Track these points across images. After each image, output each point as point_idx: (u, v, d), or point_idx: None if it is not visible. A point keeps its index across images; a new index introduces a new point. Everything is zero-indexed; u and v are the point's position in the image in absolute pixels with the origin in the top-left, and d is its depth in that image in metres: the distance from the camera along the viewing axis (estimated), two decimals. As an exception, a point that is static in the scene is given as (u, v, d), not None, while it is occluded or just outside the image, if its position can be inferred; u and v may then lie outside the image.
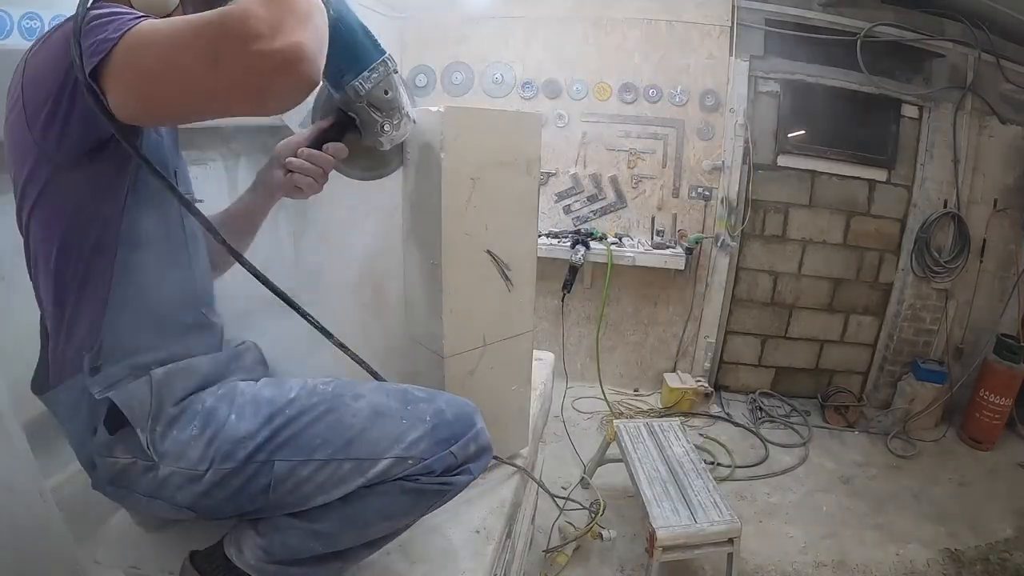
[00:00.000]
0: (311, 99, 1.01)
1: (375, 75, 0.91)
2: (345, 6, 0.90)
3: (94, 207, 0.75)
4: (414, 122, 1.00)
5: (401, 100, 0.96)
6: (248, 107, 0.66)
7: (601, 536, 2.01)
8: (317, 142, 0.96)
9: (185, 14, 0.83)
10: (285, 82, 0.62)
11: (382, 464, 0.81)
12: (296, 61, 0.61)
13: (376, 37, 0.94)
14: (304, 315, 0.88)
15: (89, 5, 0.67)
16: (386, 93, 0.93)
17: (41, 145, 0.71)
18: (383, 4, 3.06)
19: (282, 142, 1.00)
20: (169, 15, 0.82)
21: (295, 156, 0.94)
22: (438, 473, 0.84)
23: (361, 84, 0.90)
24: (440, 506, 0.90)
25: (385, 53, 0.93)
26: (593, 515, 2.10)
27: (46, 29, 1.26)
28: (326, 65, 0.89)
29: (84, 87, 0.64)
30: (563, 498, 2.06)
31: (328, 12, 0.83)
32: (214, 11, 0.62)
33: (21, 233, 0.80)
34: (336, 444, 0.81)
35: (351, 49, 0.90)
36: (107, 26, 0.64)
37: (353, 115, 0.95)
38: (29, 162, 0.73)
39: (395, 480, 0.82)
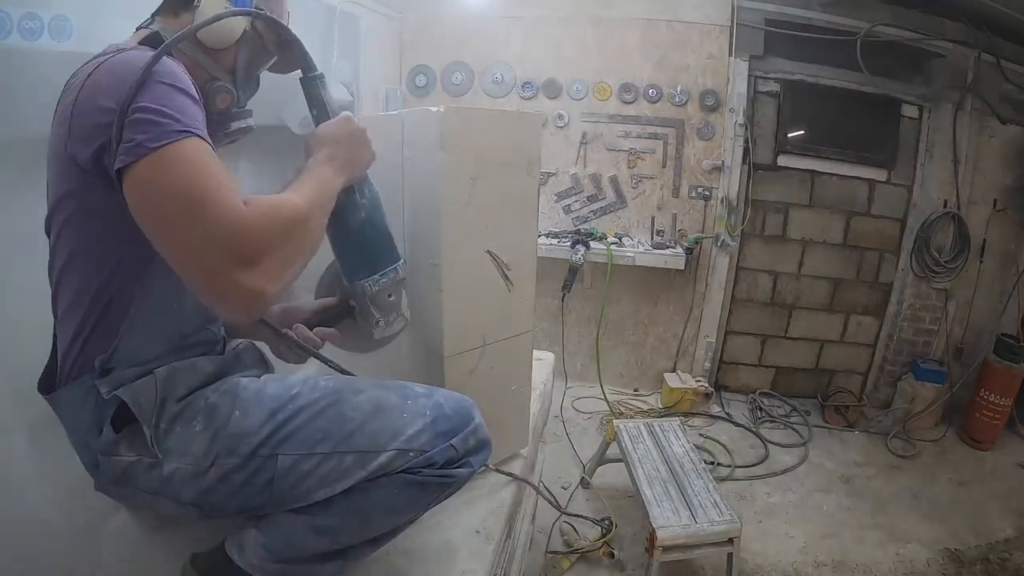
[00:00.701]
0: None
1: (384, 280, 0.96)
2: (377, 210, 0.96)
3: (129, 227, 0.76)
4: (407, 321, 1.05)
5: (402, 303, 1.02)
6: (201, 296, 0.71)
7: (612, 555, 2.02)
8: (315, 320, 1.01)
9: (238, 54, 0.89)
10: (234, 308, 0.71)
11: (384, 457, 0.82)
12: (251, 303, 0.69)
13: (396, 245, 0.99)
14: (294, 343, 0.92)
15: (153, 68, 0.69)
16: (389, 296, 0.99)
17: (81, 172, 0.73)
18: (383, 4, 3.06)
19: (288, 306, 1.05)
20: (226, 49, 0.87)
21: (290, 328, 0.97)
22: (439, 466, 0.85)
23: (370, 286, 0.95)
24: (441, 501, 0.91)
25: (399, 260, 0.99)
26: (605, 532, 2.10)
27: (46, 29, 1.26)
28: (343, 258, 0.97)
29: (114, 177, 0.68)
30: (571, 514, 2.05)
31: (359, 215, 0.92)
32: (226, 198, 0.66)
33: (48, 237, 0.82)
34: (338, 437, 0.82)
35: (369, 253, 0.96)
36: (150, 128, 0.66)
37: (354, 304, 0.99)
38: (70, 178, 0.75)
39: (397, 473, 0.83)
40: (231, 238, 0.66)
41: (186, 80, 0.74)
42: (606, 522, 2.15)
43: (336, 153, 0.86)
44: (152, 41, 0.82)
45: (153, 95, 0.68)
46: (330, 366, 0.97)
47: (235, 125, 0.93)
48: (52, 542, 0.97)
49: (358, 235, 0.94)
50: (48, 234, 0.82)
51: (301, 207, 0.75)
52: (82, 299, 0.80)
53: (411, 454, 0.83)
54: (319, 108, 0.93)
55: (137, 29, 0.88)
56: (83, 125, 0.71)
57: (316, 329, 0.99)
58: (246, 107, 0.96)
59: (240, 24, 0.86)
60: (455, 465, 0.87)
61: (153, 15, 0.88)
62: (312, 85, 0.92)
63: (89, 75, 0.72)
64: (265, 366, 1.00)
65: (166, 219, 0.67)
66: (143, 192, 0.67)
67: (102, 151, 0.69)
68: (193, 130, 0.69)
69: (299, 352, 0.96)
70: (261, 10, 0.87)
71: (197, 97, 0.74)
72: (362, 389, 0.88)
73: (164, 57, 0.72)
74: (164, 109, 0.68)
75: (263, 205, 0.70)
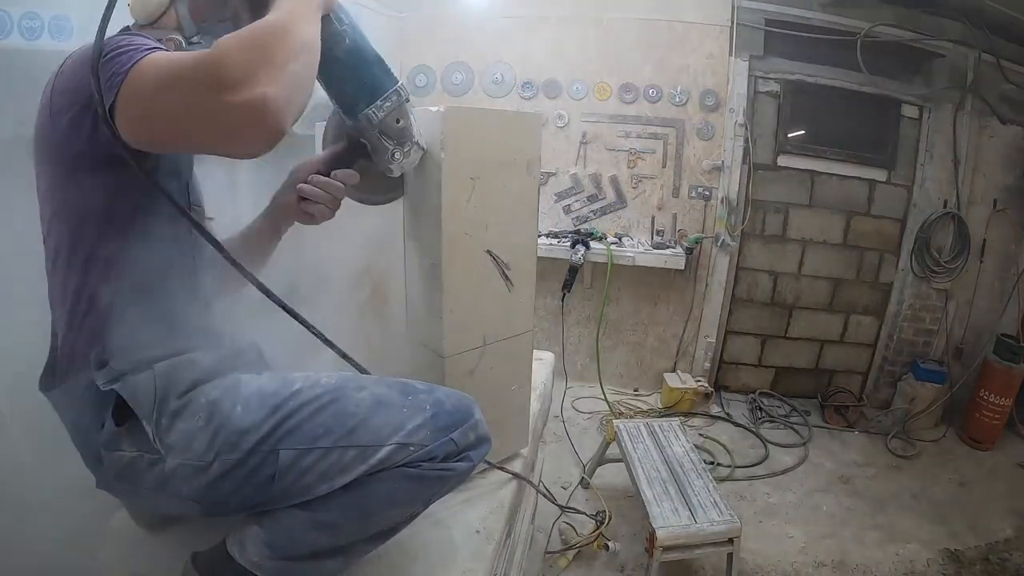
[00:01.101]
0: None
1: (388, 104, 0.93)
2: (361, 36, 0.92)
3: (111, 211, 0.78)
4: (424, 150, 1.02)
5: (412, 128, 0.98)
6: (224, 150, 0.71)
7: (607, 547, 2.02)
8: (329, 168, 0.98)
9: (179, 15, 0.88)
10: (252, 131, 0.67)
11: (384, 451, 0.82)
12: (262, 113, 0.65)
13: (389, 66, 0.95)
14: (313, 331, 0.91)
15: (106, 37, 0.71)
16: (398, 122, 0.95)
17: (68, 154, 0.75)
18: (383, 4, 3.06)
19: (296, 165, 1.02)
20: (159, 18, 0.87)
21: (306, 183, 0.96)
22: (439, 460, 0.86)
23: (374, 113, 0.92)
24: (442, 495, 0.91)
25: (398, 82, 0.95)
26: (599, 524, 2.10)
27: (46, 29, 1.26)
28: (339, 93, 0.93)
29: (102, 120, 0.69)
30: (569, 509, 2.05)
31: (344, 42, 0.88)
32: (198, 55, 0.67)
33: (43, 234, 0.83)
34: (339, 432, 0.82)
35: (365, 79, 0.92)
36: (120, 58, 0.69)
37: (365, 142, 0.97)
38: (54, 169, 0.78)
39: (397, 467, 0.83)
40: (209, 76, 0.64)
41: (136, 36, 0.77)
42: (600, 515, 2.15)
43: None
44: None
45: (112, 43, 0.71)
46: (343, 355, 0.96)
47: None
48: (53, 542, 0.97)
49: (348, 64, 0.90)
50: (43, 231, 0.84)
51: (273, 20, 0.72)
52: (72, 294, 0.81)
53: (411, 448, 0.83)
54: None
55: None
56: (65, 112, 0.74)
57: (334, 172, 0.97)
58: None
59: None
60: (455, 459, 0.88)
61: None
62: None
63: (60, 69, 0.77)
64: (265, 366, 1.00)
65: (156, 115, 0.69)
66: (132, 107, 0.69)
67: (84, 112, 0.72)
68: (155, 48, 0.72)
69: (324, 203, 0.96)
70: None
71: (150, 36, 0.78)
72: (363, 385, 0.88)
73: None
74: (125, 45, 0.71)
75: (229, 35, 0.68)
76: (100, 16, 0.89)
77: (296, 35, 0.72)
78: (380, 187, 1.10)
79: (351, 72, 0.91)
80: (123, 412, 0.81)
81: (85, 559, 0.94)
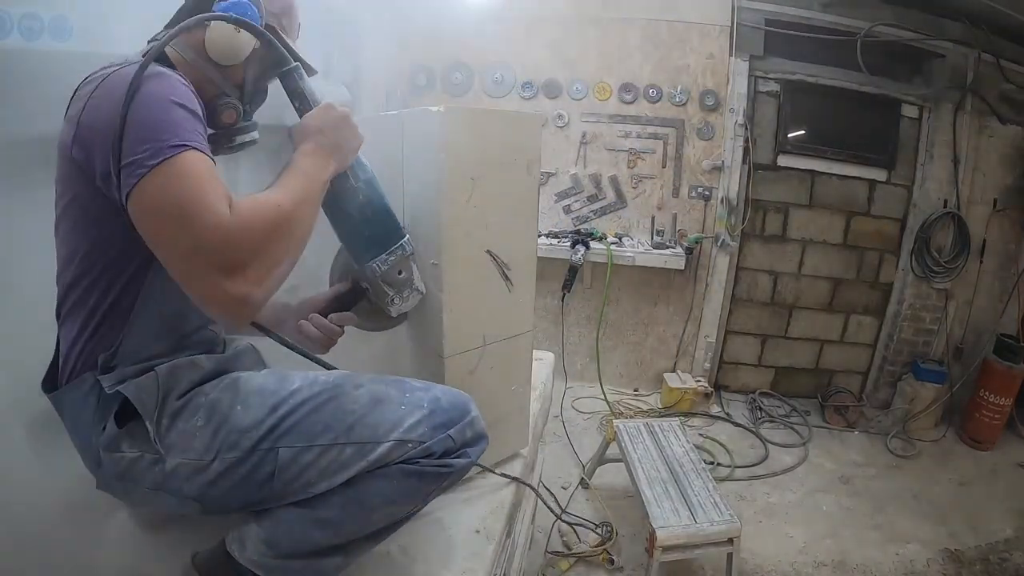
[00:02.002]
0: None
1: (392, 258, 0.99)
2: (375, 191, 0.97)
3: (131, 235, 0.77)
4: (422, 294, 1.07)
5: (413, 277, 1.04)
6: (193, 301, 0.74)
7: (611, 561, 2.02)
8: (331, 308, 1.04)
9: (247, 69, 0.91)
10: (224, 313, 0.74)
11: (383, 448, 0.83)
12: (239, 308, 0.72)
13: (398, 221, 1.01)
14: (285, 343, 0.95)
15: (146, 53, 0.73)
16: (400, 273, 1.01)
17: (92, 183, 0.75)
18: (383, 4, 3.06)
19: (303, 299, 1.09)
20: (236, 65, 0.89)
21: (307, 320, 1.01)
22: (437, 456, 0.86)
23: (378, 266, 0.99)
24: (440, 492, 0.92)
25: (404, 236, 1.01)
26: (605, 539, 2.09)
27: (46, 29, 1.26)
28: (348, 242, 1.00)
29: (119, 207, 0.71)
30: (568, 514, 2.04)
31: (357, 199, 0.94)
32: (217, 215, 0.69)
33: (56, 244, 0.84)
34: (338, 429, 0.83)
35: (372, 234, 0.98)
36: (148, 144, 0.69)
37: (367, 287, 1.03)
38: (75, 182, 0.78)
39: (396, 464, 0.84)
40: (215, 249, 0.69)
41: (181, 90, 0.75)
42: (606, 529, 2.14)
43: (321, 142, 0.87)
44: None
45: (146, 111, 0.70)
46: (317, 362, 0.99)
47: (239, 139, 0.95)
48: (54, 543, 0.97)
49: (358, 219, 0.96)
50: (56, 240, 0.84)
51: (283, 207, 0.76)
52: (87, 299, 0.82)
53: (409, 445, 0.84)
54: (300, 100, 0.93)
55: (149, 42, 0.88)
56: (87, 143, 0.73)
57: (332, 316, 1.02)
58: (252, 119, 0.98)
59: (250, 42, 0.87)
60: (453, 455, 0.88)
61: (166, 27, 0.89)
62: (289, 79, 0.93)
63: (94, 90, 0.75)
64: (263, 367, 1.01)
65: (159, 231, 0.71)
66: (142, 208, 0.70)
67: (106, 176, 0.72)
68: (188, 143, 0.71)
69: (319, 342, 1.00)
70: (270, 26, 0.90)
71: (194, 106, 0.76)
72: (361, 383, 0.89)
73: (161, 70, 0.74)
74: (158, 125, 0.70)
75: (245, 212, 0.72)
76: (100, 16, 0.89)
77: (298, 229, 0.78)
78: (379, 319, 1.14)
79: (359, 227, 0.97)
80: (123, 415, 0.82)
81: (85, 559, 0.94)
